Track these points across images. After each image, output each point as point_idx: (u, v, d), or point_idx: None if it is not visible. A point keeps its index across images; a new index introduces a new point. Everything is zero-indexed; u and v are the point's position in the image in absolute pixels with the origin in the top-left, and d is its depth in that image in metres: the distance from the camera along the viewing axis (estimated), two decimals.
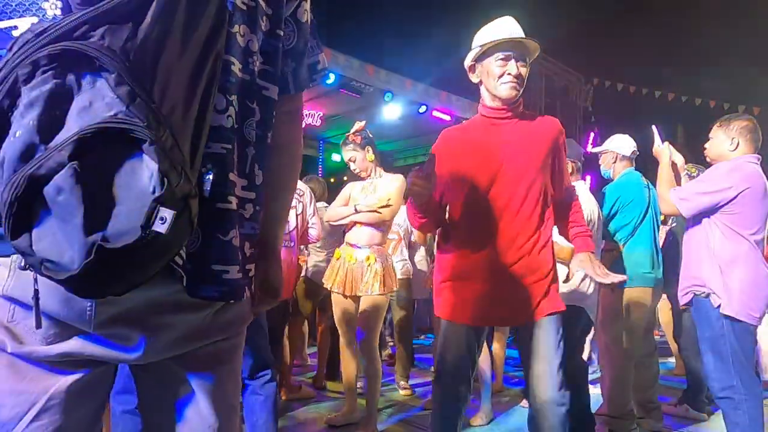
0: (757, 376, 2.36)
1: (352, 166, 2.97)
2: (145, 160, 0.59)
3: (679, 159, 2.61)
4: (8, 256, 0.69)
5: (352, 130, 2.97)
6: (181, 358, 0.79)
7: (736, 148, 2.41)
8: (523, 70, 1.82)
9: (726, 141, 2.43)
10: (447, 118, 7.43)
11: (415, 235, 4.07)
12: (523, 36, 1.83)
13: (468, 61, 1.92)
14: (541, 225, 1.85)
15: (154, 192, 0.58)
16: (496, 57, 1.81)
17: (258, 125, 0.85)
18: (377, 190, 2.94)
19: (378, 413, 3.01)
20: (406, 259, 4.02)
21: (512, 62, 1.80)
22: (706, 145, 2.55)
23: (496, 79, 1.82)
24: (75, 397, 0.72)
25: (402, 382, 3.97)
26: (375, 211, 2.84)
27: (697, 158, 3.12)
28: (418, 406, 3.54)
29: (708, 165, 2.59)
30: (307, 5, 0.97)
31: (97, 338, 0.71)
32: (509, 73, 1.80)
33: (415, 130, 8.03)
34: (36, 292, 0.65)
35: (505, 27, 1.86)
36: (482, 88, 1.91)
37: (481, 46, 1.85)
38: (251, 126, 0.84)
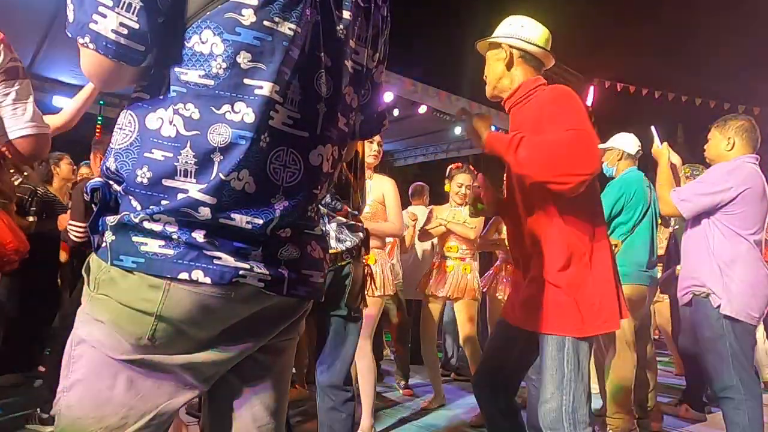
0: (757, 376, 2.37)
1: (372, 160, 2.97)
2: None
3: (676, 160, 2.62)
4: (162, 277, 0.79)
5: None
6: (264, 347, 0.95)
7: (733, 147, 2.41)
8: (487, 69, 1.89)
9: (722, 141, 2.43)
10: (447, 118, 7.43)
11: (408, 238, 4.08)
12: (486, 38, 1.90)
13: None
14: (549, 226, 1.68)
15: None
16: None
17: (339, 166, 1.00)
18: (370, 192, 2.94)
19: (377, 414, 3.01)
20: (397, 261, 4.04)
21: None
22: (705, 147, 2.55)
23: None
24: (172, 416, 0.86)
25: (402, 383, 3.97)
26: (392, 234, 2.85)
27: (698, 158, 3.13)
28: (417, 406, 3.54)
29: (708, 165, 2.59)
30: (384, 68, 1.11)
31: (224, 349, 0.87)
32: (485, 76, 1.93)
33: (415, 130, 8.04)
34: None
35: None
36: None
37: None
38: (337, 167, 0.98)
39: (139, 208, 0.80)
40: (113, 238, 0.81)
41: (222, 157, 0.79)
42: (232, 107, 0.80)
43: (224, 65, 0.79)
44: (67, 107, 2.27)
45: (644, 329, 3.24)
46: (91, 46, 0.76)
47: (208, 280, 0.80)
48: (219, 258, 0.81)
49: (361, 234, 2.06)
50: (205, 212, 0.79)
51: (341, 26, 0.92)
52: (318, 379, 2.10)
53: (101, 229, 0.84)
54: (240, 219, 0.81)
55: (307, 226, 0.94)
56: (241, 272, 0.82)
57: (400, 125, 7.48)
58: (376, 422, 2.99)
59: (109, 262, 0.81)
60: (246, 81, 0.80)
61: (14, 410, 2.94)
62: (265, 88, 0.81)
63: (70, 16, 0.76)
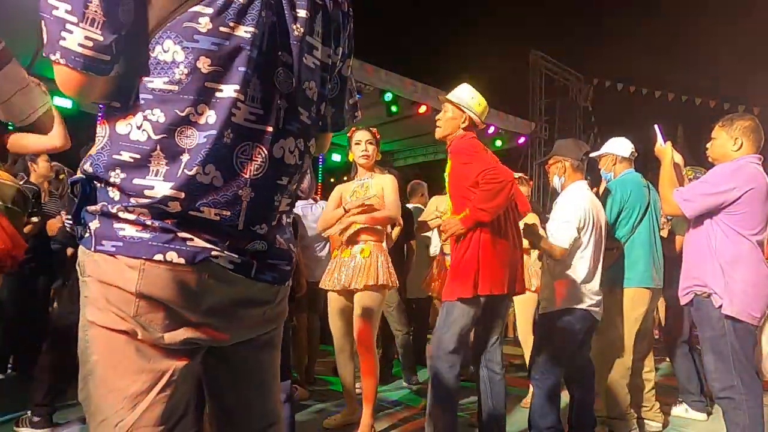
0: (758, 376, 2.36)
1: (363, 161, 2.95)
2: None
3: (679, 159, 2.61)
4: (138, 258, 0.85)
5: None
6: (249, 342, 1.04)
7: (740, 148, 2.39)
8: (444, 118, 2.69)
9: (729, 141, 2.42)
10: None
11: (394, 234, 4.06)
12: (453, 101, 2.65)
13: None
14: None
15: None
16: None
17: (308, 158, 1.06)
18: (370, 191, 2.93)
19: (377, 413, 3.01)
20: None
21: None
22: (708, 146, 2.54)
23: None
24: (184, 375, 0.93)
25: (413, 378, 3.99)
26: (364, 205, 2.82)
27: (698, 158, 3.12)
28: (417, 406, 3.54)
29: (710, 165, 2.58)
30: (351, 62, 1.17)
31: (200, 326, 0.92)
32: None
33: (415, 130, 8.04)
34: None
35: None
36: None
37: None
38: (305, 159, 1.05)
39: (117, 199, 0.87)
40: (97, 225, 0.88)
41: (189, 157, 0.86)
42: (195, 109, 0.87)
43: (186, 71, 0.86)
44: (54, 131, 2.23)
45: (646, 329, 3.24)
46: (62, 61, 0.82)
47: (182, 261, 0.87)
48: (191, 239, 0.88)
49: None
50: (174, 206, 0.86)
51: (298, 24, 0.97)
52: None
53: (84, 221, 0.91)
54: (209, 211, 0.89)
55: (275, 218, 1.00)
56: (213, 253, 0.89)
57: (400, 125, 7.48)
58: (376, 422, 2.98)
59: (93, 249, 0.88)
60: (207, 84, 0.87)
61: (6, 411, 2.91)
62: (225, 89, 0.88)
63: (44, 37, 0.82)
